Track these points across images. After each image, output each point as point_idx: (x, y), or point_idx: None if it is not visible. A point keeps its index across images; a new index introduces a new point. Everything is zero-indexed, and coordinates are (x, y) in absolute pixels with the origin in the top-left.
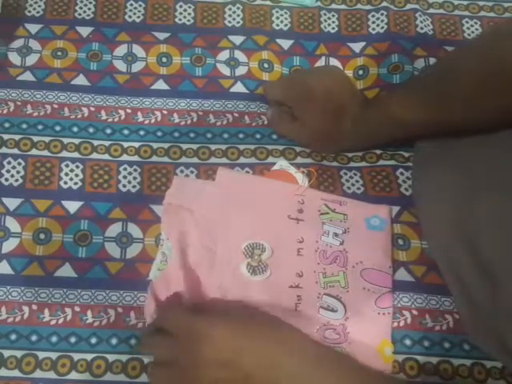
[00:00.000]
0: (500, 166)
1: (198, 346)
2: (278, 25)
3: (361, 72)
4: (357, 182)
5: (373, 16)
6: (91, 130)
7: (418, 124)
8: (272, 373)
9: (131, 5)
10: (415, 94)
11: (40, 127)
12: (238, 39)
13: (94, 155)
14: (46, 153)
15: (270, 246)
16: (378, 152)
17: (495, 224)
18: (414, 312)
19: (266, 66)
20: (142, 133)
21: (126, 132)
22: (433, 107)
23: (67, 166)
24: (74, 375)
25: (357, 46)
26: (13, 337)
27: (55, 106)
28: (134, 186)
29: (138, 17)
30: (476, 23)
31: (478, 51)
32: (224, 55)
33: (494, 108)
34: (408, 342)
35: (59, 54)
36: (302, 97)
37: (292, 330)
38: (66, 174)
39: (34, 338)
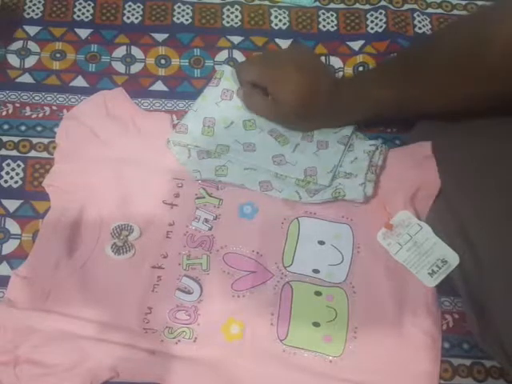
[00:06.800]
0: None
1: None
2: (276, 24)
3: (361, 68)
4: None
5: (371, 15)
6: None
7: (390, 101)
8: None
9: (129, 6)
10: (390, 71)
11: (39, 129)
12: (236, 39)
13: None
14: (45, 154)
15: (138, 228)
16: None
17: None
18: None
19: None
20: None
21: None
22: (406, 85)
23: None
24: None
25: (356, 45)
26: None
27: (54, 108)
28: None
29: (137, 18)
30: None
31: (464, 33)
32: (222, 55)
33: (465, 96)
34: None
35: (58, 55)
36: (275, 75)
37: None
38: None
39: None
